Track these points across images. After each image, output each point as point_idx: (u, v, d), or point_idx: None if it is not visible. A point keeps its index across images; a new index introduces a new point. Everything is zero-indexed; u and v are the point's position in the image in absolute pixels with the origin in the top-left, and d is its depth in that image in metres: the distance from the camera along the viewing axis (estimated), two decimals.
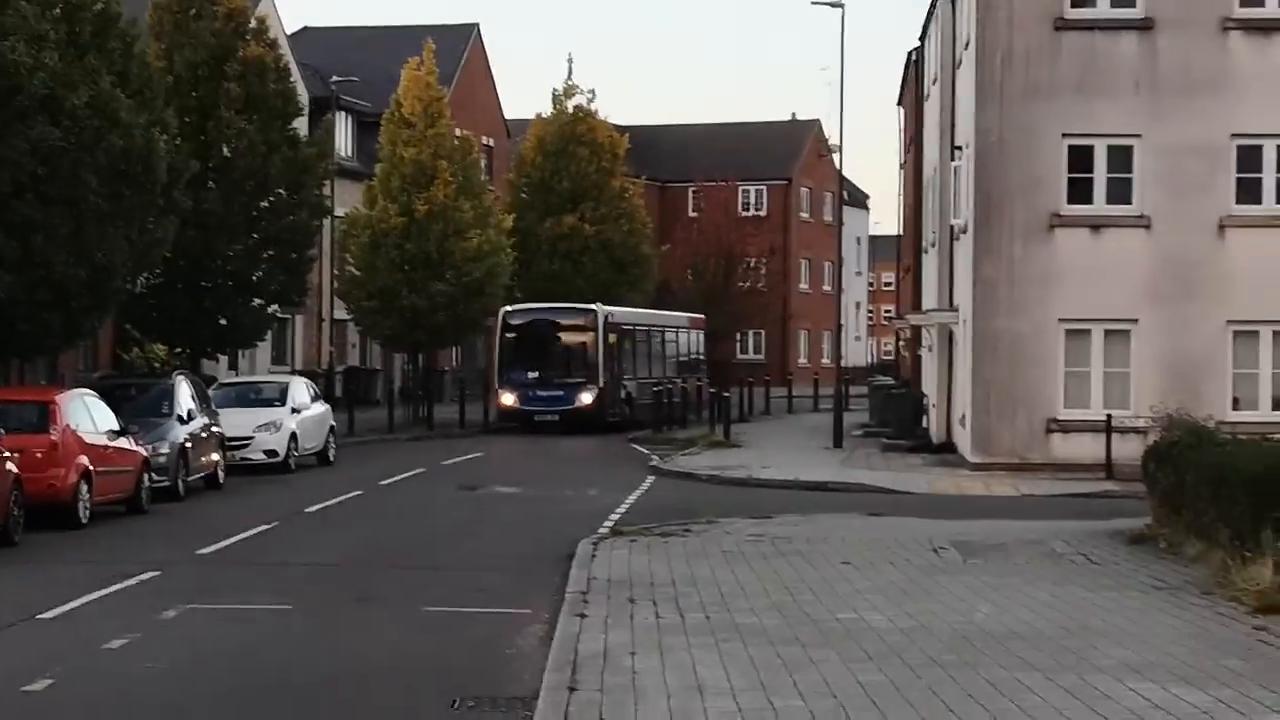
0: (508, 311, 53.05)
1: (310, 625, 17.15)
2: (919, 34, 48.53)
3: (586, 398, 51.44)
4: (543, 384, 51.57)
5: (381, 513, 28.85)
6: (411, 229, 51.79)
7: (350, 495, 31.31)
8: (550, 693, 13.00)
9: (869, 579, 19.09)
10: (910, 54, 52.27)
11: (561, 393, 51.36)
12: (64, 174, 31.61)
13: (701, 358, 63.15)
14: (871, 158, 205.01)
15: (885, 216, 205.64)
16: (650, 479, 35.86)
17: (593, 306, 52.99)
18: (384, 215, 52.01)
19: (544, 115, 66.94)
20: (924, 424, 44.87)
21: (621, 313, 55.08)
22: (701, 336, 63.76)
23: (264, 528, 25.77)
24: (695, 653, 14.51)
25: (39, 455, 25.02)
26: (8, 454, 23.62)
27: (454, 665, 15.00)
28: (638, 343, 55.71)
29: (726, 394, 49.47)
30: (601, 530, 24.76)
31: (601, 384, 51.65)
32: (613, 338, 52.95)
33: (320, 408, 40.07)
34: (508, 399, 51.84)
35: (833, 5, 47.88)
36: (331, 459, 39.60)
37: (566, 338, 52.83)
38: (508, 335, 52.43)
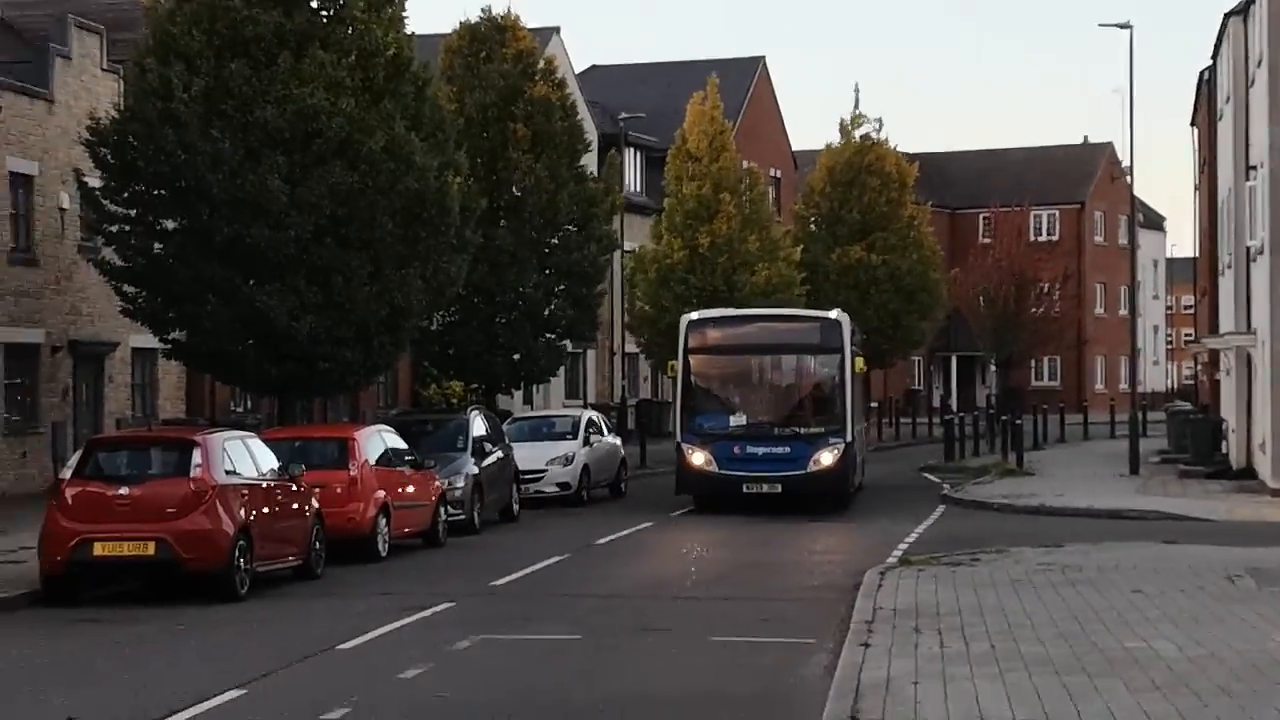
0: (694, 321, 36.10)
1: (597, 655, 17.43)
2: (1211, 53, 47.58)
3: (827, 457, 34.19)
4: (755, 435, 34.64)
5: (671, 544, 29.16)
6: (696, 263, 52.09)
7: (641, 527, 31.66)
8: None
9: (1159, 607, 18.80)
10: (1202, 73, 51.25)
11: (787, 449, 34.34)
12: (361, 217, 32.55)
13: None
14: (1167, 179, 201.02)
15: (1183, 238, 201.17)
16: (941, 508, 35.64)
17: (832, 314, 36.39)
18: (668, 250, 52.43)
19: (832, 145, 66.92)
20: (1223, 449, 43.95)
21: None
22: None
23: (555, 559, 26.21)
24: (979, 682, 14.46)
25: (339, 491, 25.85)
26: (309, 489, 24.43)
27: (737, 694, 15.15)
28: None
29: (1019, 421, 48.87)
30: (890, 560, 24.75)
31: (850, 435, 34.83)
32: (860, 363, 36.72)
33: (612, 441, 40.54)
34: (697, 458, 34.55)
35: (1121, 27, 47.19)
36: (624, 491, 39.99)
37: (791, 362, 36.46)
38: (695, 357, 35.60)
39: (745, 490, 34.10)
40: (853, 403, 35.21)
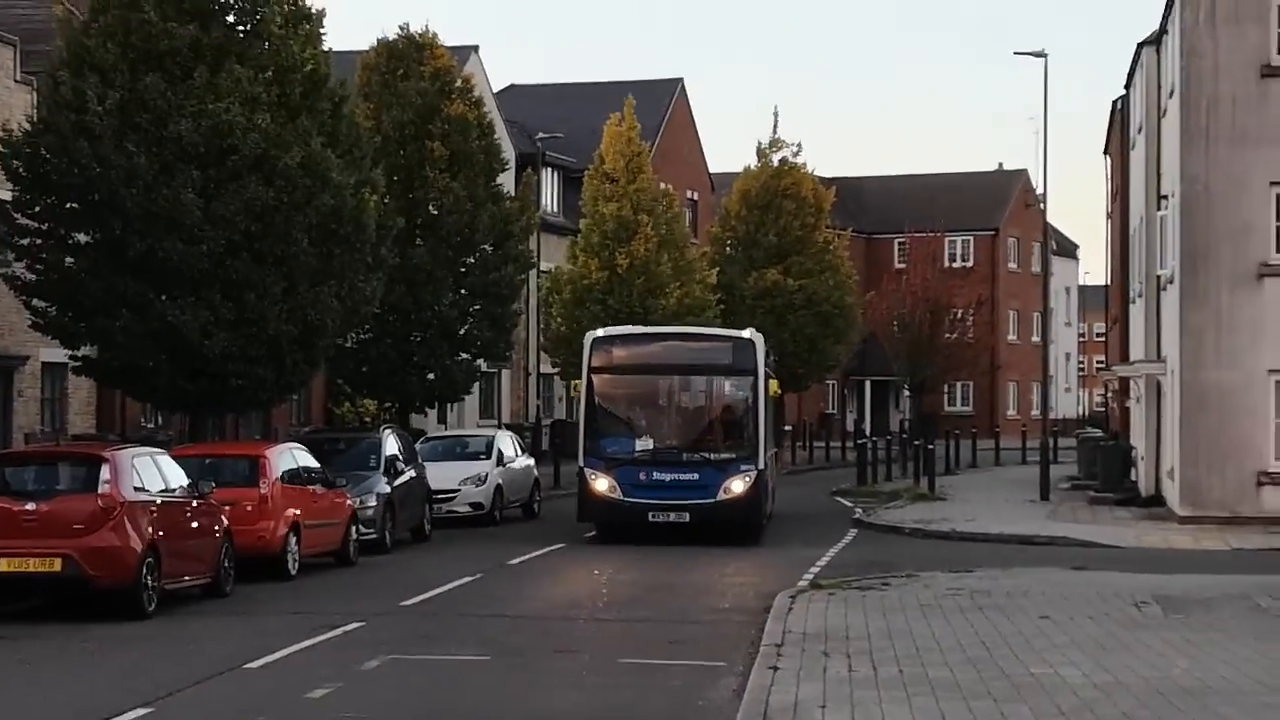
0: (599, 338, 34.22)
1: (507, 676, 17.39)
2: (1124, 83, 48.05)
3: (738, 485, 32.51)
4: (662, 461, 32.87)
5: (583, 565, 29.11)
6: (613, 284, 52.09)
7: (553, 548, 31.62)
8: None
9: (1067, 633, 18.93)
10: (1115, 103, 51.72)
11: (696, 475, 32.53)
12: (276, 233, 32.38)
13: None
14: (1080, 207, 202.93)
15: (1095, 266, 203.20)
16: (853, 532, 35.75)
17: (745, 334, 34.46)
18: (585, 270, 52.44)
19: (749, 168, 67.17)
20: (1132, 476, 44.28)
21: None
22: None
23: (467, 579, 26.14)
24: (886, 707, 14.51)
25: (249, 509, 25.74)
26: (219, 507, 24.27)
27: (645, 716, 15.15)
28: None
29: (932, 446, 49.07)
30: (800, 584, 24.79)
31: (763, 462, 33.26)
32: (775, 385, 36.27)
33: (526, 461, 40.52)
34: (600, 484, 32.79)
35: (1036, 55, 47.67)
36: (537, 511, 39.96)
37: (702, 384, 34.41)
38: (600, 376, 33.60)
39: (651, 519, 32.41)
40: (766, 427, 33.57)
